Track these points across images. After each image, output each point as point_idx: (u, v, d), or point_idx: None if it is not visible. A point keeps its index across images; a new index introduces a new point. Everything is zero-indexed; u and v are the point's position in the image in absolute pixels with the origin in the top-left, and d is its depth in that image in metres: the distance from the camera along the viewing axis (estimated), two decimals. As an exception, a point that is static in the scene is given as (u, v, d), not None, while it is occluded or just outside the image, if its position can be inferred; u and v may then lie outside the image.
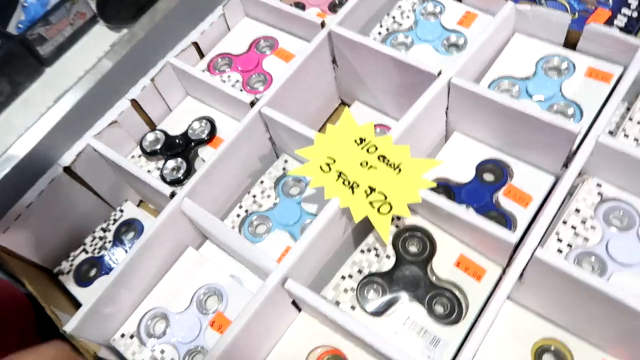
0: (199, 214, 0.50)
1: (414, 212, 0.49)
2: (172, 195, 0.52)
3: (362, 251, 0.47)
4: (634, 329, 0.40)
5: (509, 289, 0.40)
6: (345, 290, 0.46)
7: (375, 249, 0.47)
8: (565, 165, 0.50)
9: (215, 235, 0.50)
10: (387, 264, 0.46)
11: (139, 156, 0.62)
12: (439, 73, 0.52)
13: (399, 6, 0.63)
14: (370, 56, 0.57)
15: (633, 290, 0.42)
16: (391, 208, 0.44)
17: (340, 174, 0.47)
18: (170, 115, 0.66)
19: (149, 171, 0.61)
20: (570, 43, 0.55)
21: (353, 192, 0.46)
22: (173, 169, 0.59)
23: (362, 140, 0.49)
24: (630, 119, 0.49)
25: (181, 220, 0.52)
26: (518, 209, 0.51)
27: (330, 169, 0.48)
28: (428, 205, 0.46)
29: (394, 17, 0.62)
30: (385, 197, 0.45)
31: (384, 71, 0.58)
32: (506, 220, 0.50)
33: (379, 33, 0.61)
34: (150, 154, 0.61)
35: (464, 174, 0.54)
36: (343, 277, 0.46)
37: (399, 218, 0.49)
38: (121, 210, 0.63)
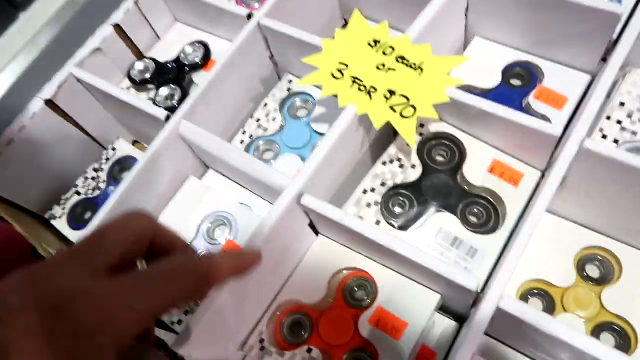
0: (200, 136, 0.45)
1: (439, 120, 0.44)
2: (168, 118, 0.47)
3: (384, 163, 0.43)
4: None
5: (552, 191, 0.36)
6: (369, 205, 0.41)
7: (399, 159, 0.43)
8: (604, 59, 0.45)
9: (219, 157, 0.45)
10: (413, 175, 0.42)
11: (128, 88, 0.57)
12: (458, -35, 0.46)
13: None
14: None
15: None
16: (415, 110, 0.39)
17: (355, 80, 0.42)
18: (158, 43, 0.60)
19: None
20: None
21: (371, 98, 0.41)
22: (167, 97, 0.54)
23: (376, 42, 0.44)
24: (677, 1, 0.44)
25: (180, 146, 0.47)
26: (552, 112, 0.46)
27: (343, 75, 0.42)
28: (456, 106, 0.41)
29: None
30: (408, 100, 0.40)
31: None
32: (539, 124, 0.45)
33: None
34: (140, 84, 0.56)
35: (488, 80, 0.48)
36: (365, 192, 0.42)
37: (422, 126, 0.44)
38: (114, 149, 0.57)
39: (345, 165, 0.44)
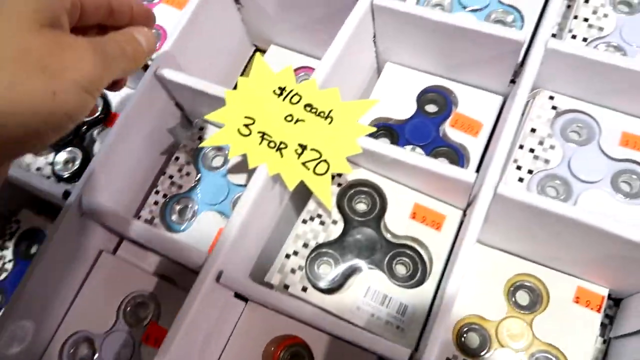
0: (104, 213, 0.41)
1: (355, 165, 0.42)
2: (66, 195, 0.42)
3: (305, 221, 0.41)
4: (609, 252, 0.36)
5: (476, 233, 0.35)
6: (293, 271, 0.39)
7: (319, 215, 0.41)
8: (513, 81, 0.44)
9: (129, 236, 0.42)
10: (335, 231, 0.40)
11: (23, 153, 0.52)
12: (358, -5, 0.44)
13: None
14: (276, -12, 0.48)
15: (603, 208, 0.39)
16: (329, 166, 0.38)
17: (263, 135, 0.39)
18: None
19: (38, 169, 0.50)
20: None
21: (282, 155, 0.38)
22: (66, 162, 0.49)
23: (282, 89, 0.41)
24: (576, 17, 0.44)
25: (84, 224, 0.43)
26: (468, 139, 0.45)
27: (250, 132, 0.40)
28: (370, 154, 0.39)
29: None
30: (320, 154, 0.38)
31: (298, 4, 0.49)
32: (457, 153, 0.45)
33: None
34: (35, 149, 0.50)
35: (404, 109, 0.47)
36: (288, 256, 0.40)
37: (339, 175, 0.42)
38: (17, 222, 0.52)
39: (264, 228, 0.41)
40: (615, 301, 0.43)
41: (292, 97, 0.40)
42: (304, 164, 0.38)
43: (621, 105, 0.41)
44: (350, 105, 0.40)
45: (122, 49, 0.30)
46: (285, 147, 0.39)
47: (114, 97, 0.52)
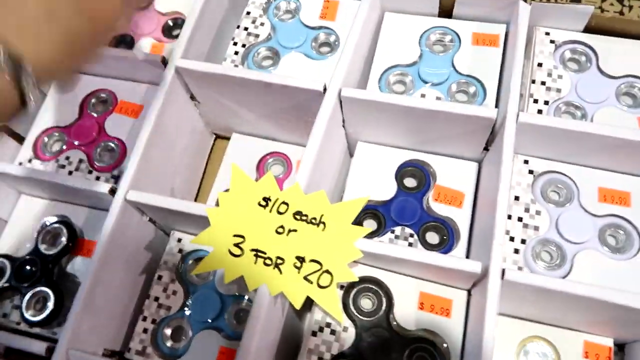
0: (96, 365, 0.38)
1: (353, 263, 0.41)
2: (51, 352, 0.39)
3: (314, 333, 0.39)
4: (610, 315, 0.37)
5: (494, 316, 0.35)
6: (312, 390, 0.38)
7: (328, 324, 0.40)
8: (486, 148, 0.45)
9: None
10: (348, 338, 0.39)
11: (-18, 300, 0.47)
12: (325, 89, 0.43)
13: (247, 13, 0.52)
14: (236, 86, 0.47)
15: (600, 267, 0.40)
16: (332, 276, 0.36)
17: (257, 253, 0.38)
18: (5, 231, 0.50)
19: (5, 315, 0.46)
20: (446, 10, 0.50)
21: (280, 272, 0.37)
22: (37, 303, 0.45)
23: (266, 200, 0.39)
24: (534, 82, 0.46)
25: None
26: (453, 211, 0.46)
27: (242, 251, 0.38)
28: (371, 256, 0.38)
29: (246, 29, 0.51)
30: (320, 265, 0.37)
31: (259, 98, 0.48)
32: (446, 228, 0.45)
33: (236, 53, 0.51)
34: (-2, 294, 0.46)
35: (385, 189, 0.47)
36: (304, 374, 0.38)
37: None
38: (-13, 373, 0.47)
39: (272, 342, 0.39)
40: (619, 346, 0.44)
41: (279, 207, 0.39)
42: (305, 278, 0.36)
43: (593, 162, 0.43)
44: (341, 208, 0.39)
45: None
46: (283, 262, 0.37)
47: (79, 219, 0.48)
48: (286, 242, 0.38)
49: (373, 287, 0.41)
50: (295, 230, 0.38)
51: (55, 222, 0.47)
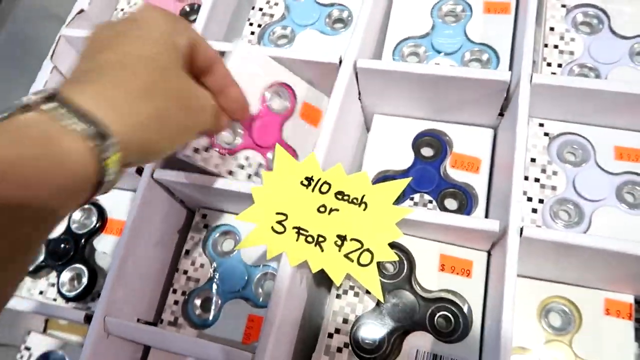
0: (131, 331, 0.40)
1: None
2: (88, 319, 0.41)
3: (338, 296, 0.41)
4: (630, 269, 0.38)
5: (514, 276, 0.36)
6: (339, 350, 0.39)
7: (351, 287, 0.41)
8: (501, 114, 0.46)
9: (160, 347, 0.40)
10: (371, 300, 0.40)
11: (22, 278, 0.49)
12: (340, 61, 0.44)
13: (261, -6, 0.54)
14: (254, 64, 0.48)
15: (617, 224, 0.41)
16: (372, 255, 0.37)
17: (299, 231, 0.38)
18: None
19: (41, 292, 0.48)
20: (456, -19, 0.50)
21: (322, 249, 0.37)
22: (73, 280, 0.47)
23: (309, 180, 0.39)
24: (546, 45, 0.46)
25: (110, 344, 0.41)
26: (471, 177, 0.46)
27: (285, 228, 0.38)
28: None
29: (260, 9, 0.53)
30: (361, 244, 0.37)
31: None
32: (465, 193, 0.46)
33: (252, 33, 0.52)
34: (34, 272, 0.48)
35: (402, 159, 0.48)
36: (330, 335, 0.39)
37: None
38: (27, 349, 0.50)
39: (297, 314, 0.41)
40: (640, 303, 0.45)
41: (321, 187, 0.39)
42: (346, 255, 0.37)
43: (608, 122, 0.43)
44: (382, 188, 0.39)
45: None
46: (324, 240, 0.37)
47: (107, 203, 0.50)
48: (328, 220, 0.38)
49: (395, 251, 0.42)
50: (337, 210, 0.38)
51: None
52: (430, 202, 0.46)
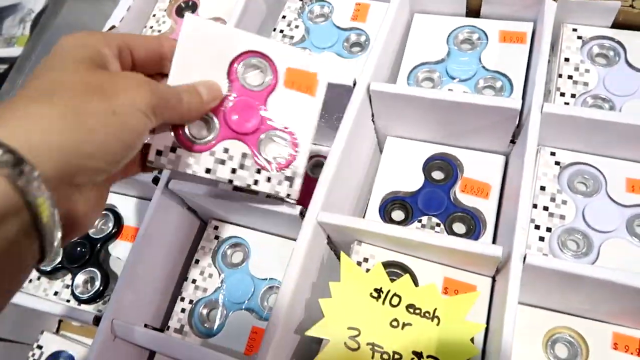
0: (137, 335, 0.41)
1: (381, 247, 0.43)
2: (98, 320, 0.42)
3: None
4: (637, 303, 0.37)
5: (515, 300, 0.36)
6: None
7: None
8: (512, 141, 0.46)
9: (165, 352, 0.41)
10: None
11: (38, 278, 0.51)
12: (354, 83, 0.46)
13: (283, 17, 0.56)
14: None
15: (626, 256, 0.40)
16: None
17: (373, 347, 0.37)
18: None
19: (56, 293, 0.50)
20: (473, 10, 0.52)
21: None
22: (86, 283, 0.49)
23: (379, 291, 0.39)
24: (560, 76, 0.46)
25: (116, 347, 0.42)
26: (480, 202, 0.47)
27: (358, 345, 0.37)
28: (396, 240, 0.40)
29: (282, 31, 0.55)
30: None
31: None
32: (473, 218, 0.46)
33: (272, 53, 0.54)
34: (51, 273, 0.50)
35: (412, 180, 0.49)
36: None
37: (366, 260, 0.43)
38: (39, 347, 0.51)
39: (296, 331, 0.41)
40: (651, 340, 0.43)
41: (391, 299, 0.38)
42: None
43: (620, 153, 0.43)
44: (454, 302, 0.38)
45: (178, 94, 0.31)
46: (400, 357, 0.36)
47: (121, 206, 0.52)
48: (401, 336, 0.37)
49: (398, 271, 0.42)
50: (410, 324, 0.37)
51: (104, 210, 0.51)
52: (438, 225, 0.46)
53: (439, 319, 0.37)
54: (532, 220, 0.42)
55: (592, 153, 0.44)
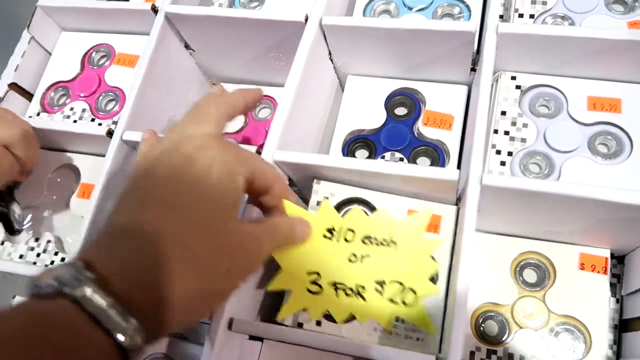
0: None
1: (341, 183, 0.42)
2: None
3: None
4: (602, 217, 0.37)
5: (472, 229, 0.35)
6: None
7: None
8: (473, 69, 0.45)
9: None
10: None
11: (2, 243, 0.50)
12: (307, 18, 0.44)
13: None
14: (223, 27, 0.48)
15: (587, 174, 0.40)
16: (416, 293, 0.36)
17: (336, 287, 0.36)
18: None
19: (21, 256, 0.49)
20: (428, -64, 0.49)
21: (364, 299, 0.36)
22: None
23: (331, 231, 0.37)
24: (518, -4, 0.45)
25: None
26: (444, 134, 0.46)
27: (321, 287, 0.37)
28: (352, 172, 0.39)
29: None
30: (402, 284, 0.36)
31: (247, 37, 0.49)
32: (436, 150, 0.45)
33: (223, -4, 0.52)
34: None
35: (375, 118, 0.47)
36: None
37: (327, 198, 0.42)
38: (11, 313, 0.51)
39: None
40: (619, 259, 0.44)
41: (345, 235, 0.37)
42: (390, 300, 0.36)
43: (581, 72, 0.42)
44: (408, 222, 0.37)
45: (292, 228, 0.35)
46: (364, 289, 0.36)
47: (83, 165, 0.51)
48: (362, 269, 0.37)
49: (360, 206, 0.41)
50: (367, 256, 0.37)
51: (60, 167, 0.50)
52: (402, 159, 0.45)
53: (395, 244, 0.36)
54: (494, 146, 0.42)
55: (553, 74, 0.43)
